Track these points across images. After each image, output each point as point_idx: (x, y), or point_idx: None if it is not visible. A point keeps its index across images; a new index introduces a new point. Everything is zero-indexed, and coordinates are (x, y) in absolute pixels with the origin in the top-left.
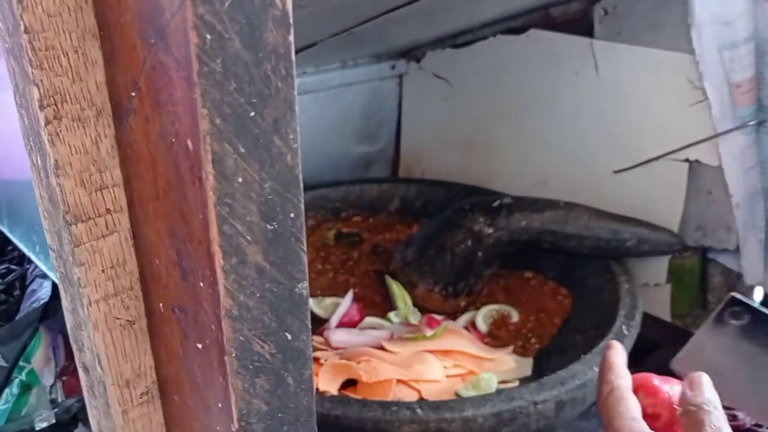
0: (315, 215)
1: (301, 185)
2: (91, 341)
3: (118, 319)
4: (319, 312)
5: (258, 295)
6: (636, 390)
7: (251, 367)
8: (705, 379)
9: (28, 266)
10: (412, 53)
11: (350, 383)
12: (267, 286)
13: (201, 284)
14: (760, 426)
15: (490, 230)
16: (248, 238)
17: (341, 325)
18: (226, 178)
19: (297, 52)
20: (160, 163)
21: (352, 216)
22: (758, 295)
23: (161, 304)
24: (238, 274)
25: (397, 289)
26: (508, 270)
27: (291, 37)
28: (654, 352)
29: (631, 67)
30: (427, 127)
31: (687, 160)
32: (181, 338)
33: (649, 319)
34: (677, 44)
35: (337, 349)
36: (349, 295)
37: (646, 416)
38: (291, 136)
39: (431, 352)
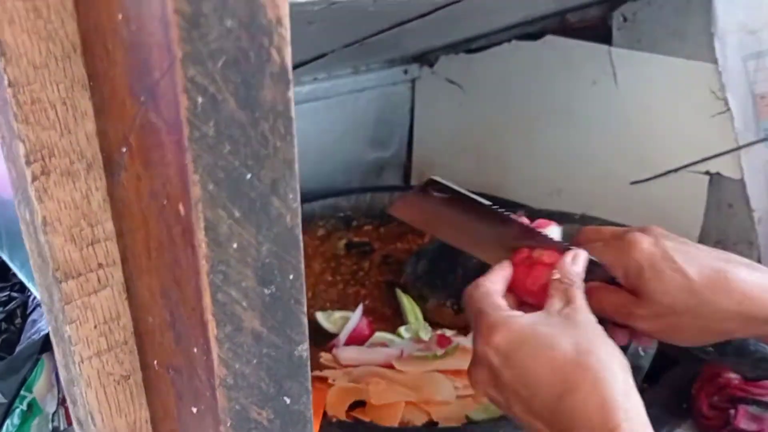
0: (325, 225)
1: (301, 246)
2: (83, 398)
3: (111, 374)
4: (328, 327)
5: (255, 361)
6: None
7: None
8: (584, 257)
9: (29, 293)
10: (425, 57)
11: (360, 403)
12: (264, 351)
13: (195, 350)
14: None
15: None
16: (244, 304)
17: (351, 340)
18: (220, 245)
19: (306, 62)
20: (152, 223)
21: (363, 225)
22: None
23: (156, 362)
24: (233, 342)
25: (407, 303)
26: None
27: (291, 93)
28: (672, 369)
29: (651, 76)
30: (440, 133)
31: (707, 173)
32: (175, 399)
33: None
34: (699, 53)
35: (346, 366)
36: (359, 310)
37: (533, 263)
38: (290, 196)
39: (442, 372)
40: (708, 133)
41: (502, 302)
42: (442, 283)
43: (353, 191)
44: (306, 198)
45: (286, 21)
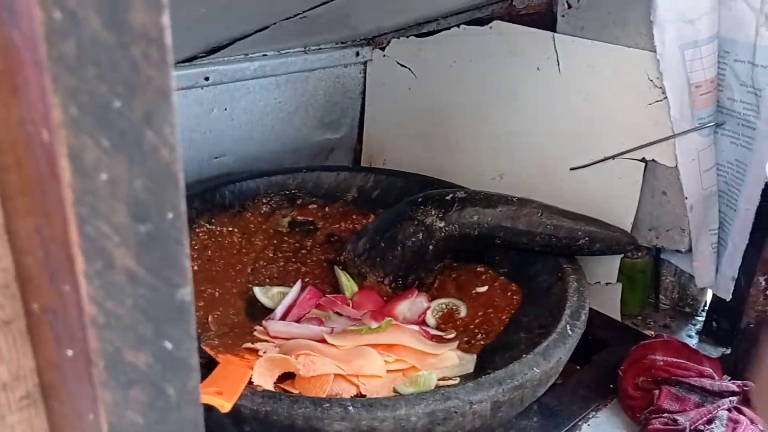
0: (270, 201)
1: (181, 183)
2: None
3: None
4: (266, 302)
5: (130, 302)
6: None
7: (122, 378)
8: None
9: None
10: (377, 40)
11: (290, 376)
12: (140, 292)
13: (66, 288)
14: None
15: (442, 224)
16: (115, 240)
17: (289, 313)
18: (86, 174)
19: (249, 35)
20: (22, 154)
21: (308, 204)
22: (708, 297)
23: (36, 305)
24: (103, 280)
25: (345, 281)
26: (461, 263)
27: (165, 19)
28: (602, 351)
29: (593, 63)
30: (390, 115)
31: (643, 160)
32: (54, 343)
33: (599, 318)
34: (640, 41)
35: (276, 338)
36: (297, 286)
37: None
38: (167, 130)
39: (374, 346)
40: (645, 121)
41: None
42: (382, 261)
43: (300, 170)
44: (252, 175)
45: None
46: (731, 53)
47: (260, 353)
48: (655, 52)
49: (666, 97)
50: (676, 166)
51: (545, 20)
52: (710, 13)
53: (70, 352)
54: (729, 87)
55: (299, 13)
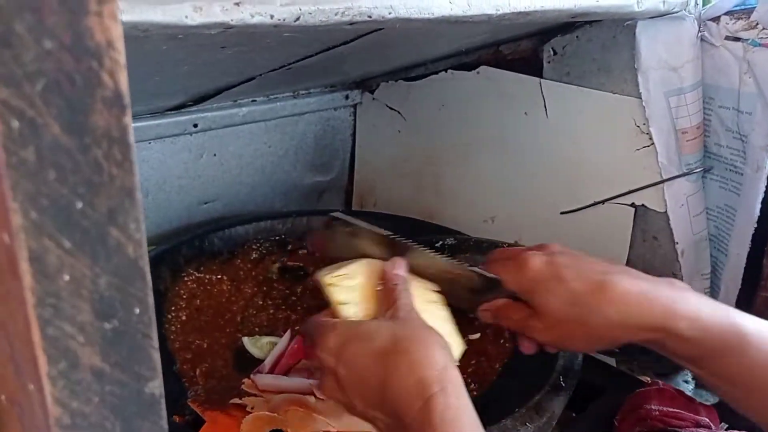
0: (259, 248)
1: (148, 278)
2: None
3: None
4: (255, 352)
5: (96, 399)
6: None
7: None
8: (403, 263)
9: None
10: (366, 84)
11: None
12: (108, 389)
13: (31, 386)
14: None
15: None
16: (80, 339)
17: (278, 364)
18: (48, 276)
19: (233, 86)
20: None
21: (298, 249)
22: None
23: (3, 396)
24: (68, 380)
25: None
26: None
27: (127, 118)
28: (598, 399)
29: (579, 109)
30: (381, 158)
31: (633, 205)
32: None
33: (594, 364)
34: (625, 88)
35: (265, 392)
36: (287, 336)
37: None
38: (132, 226)
39: None
40: (633, 166)
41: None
42: None
43: (289, 214)
44: (241, 221)
45: (120, 44)
46: (716, 99)
47: (248, 409)
48: (640, 98)
49: (653, 143)
50: (666, 212)
51: (532, 66)
52: (693, 61)
53: None
54: (715, 133)
55: (284, 65)
